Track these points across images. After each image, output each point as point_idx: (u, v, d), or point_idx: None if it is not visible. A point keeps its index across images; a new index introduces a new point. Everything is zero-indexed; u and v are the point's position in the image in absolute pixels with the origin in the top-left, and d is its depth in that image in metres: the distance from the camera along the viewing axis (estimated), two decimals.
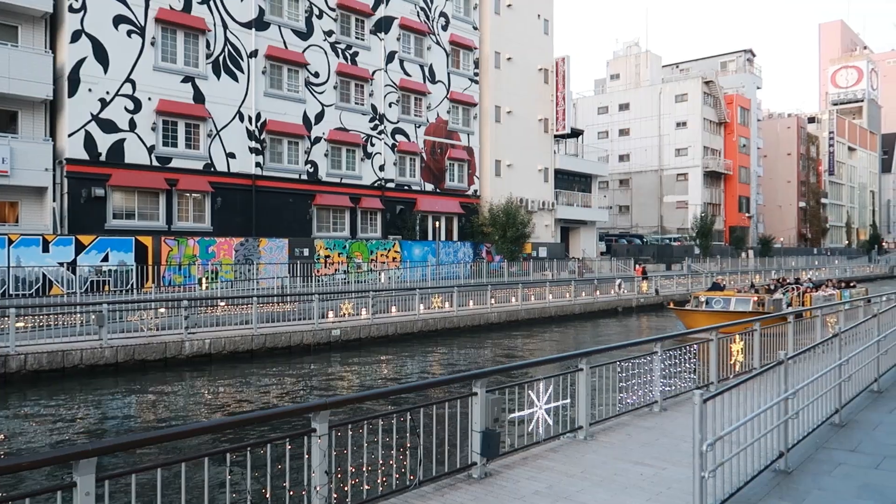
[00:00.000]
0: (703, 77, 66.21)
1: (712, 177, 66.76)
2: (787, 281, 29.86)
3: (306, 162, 31.21)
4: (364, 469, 5.74)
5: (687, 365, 9.61)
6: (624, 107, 68.78)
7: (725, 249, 60.82)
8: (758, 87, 77.01)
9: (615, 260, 45.91)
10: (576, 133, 49.35)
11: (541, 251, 42.29)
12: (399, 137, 35.51)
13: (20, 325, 15.38)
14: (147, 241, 24.84)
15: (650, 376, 8.84)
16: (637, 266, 42.00)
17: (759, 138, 76.34)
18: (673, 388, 9.41)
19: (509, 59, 42.29)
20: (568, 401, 7.47)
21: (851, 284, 28.77)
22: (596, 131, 68.87)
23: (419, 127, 36.66)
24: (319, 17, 31.83)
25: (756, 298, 21.42)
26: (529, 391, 7.04)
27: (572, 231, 48.98)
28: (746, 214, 70.60)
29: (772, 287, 27.15)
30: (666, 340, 9.08)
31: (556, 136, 46.20)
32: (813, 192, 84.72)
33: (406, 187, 35.92)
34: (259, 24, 29.45)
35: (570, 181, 48.65)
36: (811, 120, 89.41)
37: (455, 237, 38.46)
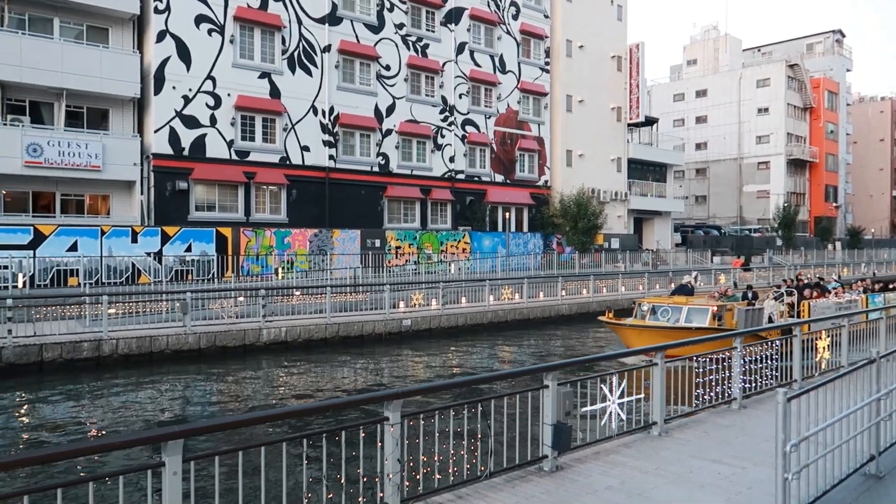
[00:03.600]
0: (788, 60, 63.05)
1: (796, 165, 63.64)
2: (803, 281, 22.28)
3: (378, 154, 31.64)
4: (435, 458, 5.80)
5: (768, 361, 9.24)
6: (701, 93, 66.38)
7: (810, 241, 57.91)
8: (847, 70, 72.69)
9: (691, 251, 44.50)
10: (650, 121, 48.02)
11: (613, 242, 41.47)
12: (469, 128, 35.49)
13: (112, 311, 16.30)
14: (227, 232, 25.81)
15: (728, 372, 8.55)
16: (736, 258, 40.51)
17: (849, 124, 72.17)
18: (753, 385, 9.07)
19: (581, 46, 41.51)
20: (642, 396, 7.32)
21: (892, 286, 23.21)
22: (671, 119, 66.78)
23: (489, 118, 36.53)
24: (391, 10, 32.12)
25: (715, 309, 16.11)
26: (602, 385, 6.93)
27: (646, 222, 47.76)
28: (833, 204, 66.97)
29: (779, 290, 19.77)
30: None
31: (629, 125, 45.09)
32: None
33: (476, 178, 35.90)
34: (332, 19, 29.99)
35: (644, 171, 47.42)
36: None
37: (525, 228, 38.19)
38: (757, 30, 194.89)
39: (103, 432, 11.15)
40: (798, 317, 16.63)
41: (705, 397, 8.19)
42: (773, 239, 52.96)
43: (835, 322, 10.71)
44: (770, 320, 16.10)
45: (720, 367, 8.34)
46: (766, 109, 62.14)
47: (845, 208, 70.72)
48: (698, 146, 65.86)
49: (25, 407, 12.70)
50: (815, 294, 18.53)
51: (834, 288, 20.48)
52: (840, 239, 62.74)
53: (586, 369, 11.56)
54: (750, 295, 18.89)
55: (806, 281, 22.29)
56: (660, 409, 7.36)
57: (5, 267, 20.23)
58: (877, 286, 22.22)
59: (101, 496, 6.78)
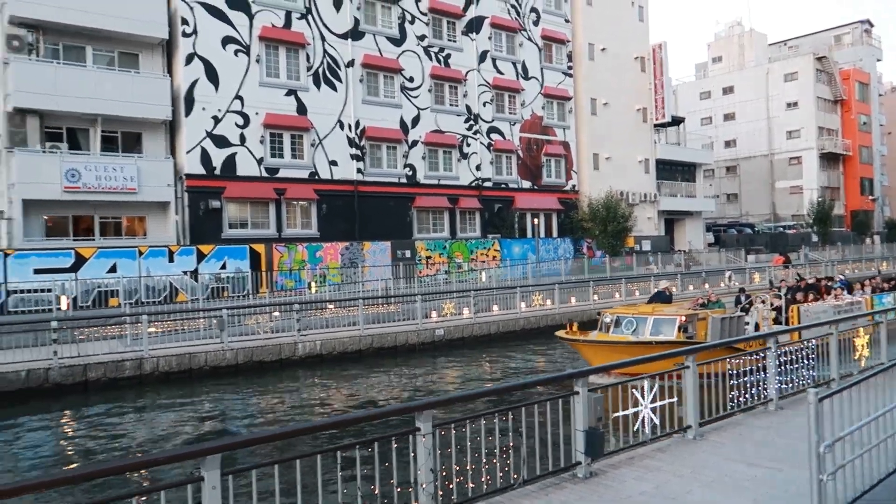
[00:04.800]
0: (815, 53, 61.90)
1: (829, 159, 62.31)
2: (805, 281, 20.45)
3: (405, 165, 31.89)
4: (468, 467, 5.86)
5: (806, 361, 9.11)
6: (728, 90, 65.50)
7: (847, 236, 56.58)
8: (877, 60, 71.00)
9: (724, 251, 43.84)
10: (677, 121, 47.55)
11: (644, 245, 41.06)
12: (494, 136, 35.58)
13: (151, 330, 16.71)
14: (260, 248, 26.25)
15: (764, 373, 8.46)
16: (777, 256, 39.83)
17: (882, 115, 70.40)
18: (790, 385, 8.94)
19: (603, 49, 41.35)
20: (675, 399, 7.28)
21: None
22: (698, 118, 65.98)
23: (514, 124, 36.57)
24: (412, 22, 32.44)
25: (683, 319, 14.39)
26: (633, 390, 6.92)
27: (677, 223, 47.21)
28: (870, 197, 65.33)
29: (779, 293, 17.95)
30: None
31: (655, 126, 44.71)
32: None
33: (503, 185, 35.93)
34: (355, 34, 30.40)
35: (673, 171, 46.91)
36: None
37: (554, 233, 38.06)
38: (782, 24, 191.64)
39: (145, 449, 11.44)
40: (786, 323, 15.24)
41: (740, 399, 8.11)
42: (809, 235, 51.90)
43: (823, 330, 9.50)
44: (757, 328, 14.94)
45: (754, 367, 8.25)
46: (796, 104, 61.05)
47: (882, 201, 68.93)
48: (727, 144, 64.93)
49: (72, 425, 13.08)
50: (809, 297, 16.88)
51: (835, 289, 18.82)
52: (878, 232, 61.21)
53: (617, 375, 11.49)
54: (743, 299, 17.35)
55: (810, 281, 20.46)
56: (693, 413, 7.31)
57: (49, 290, 20.87)
58: (886, 285, 20.45)
59: None
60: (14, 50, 22.90)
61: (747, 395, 8.30)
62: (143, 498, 4.54)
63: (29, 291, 20.96)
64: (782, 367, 8.58)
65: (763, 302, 16.12)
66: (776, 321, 15.57)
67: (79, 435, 12.38)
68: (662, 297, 18.17)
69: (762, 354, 8.45)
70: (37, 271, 21.36)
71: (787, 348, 8.60)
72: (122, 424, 12.99)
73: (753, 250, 46.37)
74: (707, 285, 29.53)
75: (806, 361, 9.07)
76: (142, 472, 9.09)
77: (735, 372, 8.12)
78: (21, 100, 22.71)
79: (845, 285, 19.78)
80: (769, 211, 62.97)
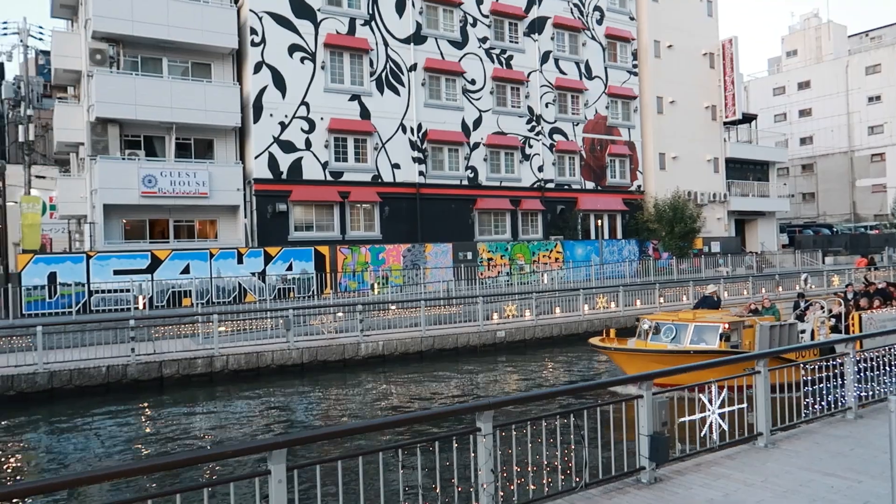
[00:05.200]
0: None
1: None
2: (875, 286, 18.19)
3: (466, 168, 31.95)
4: (529, 469, 5.81)
5: (888, 368, 8.64)
6: (804, 85, 62.79)
7: None
8: None
9: (799, 253, 42.02)
10: (748, 118, 45.88)
11: (713, 246, 39.80)
12: (557, 137, 35.22)
13: (222, 329, 17.31)
14: (324, 250, 26.81)
15: (841, 380, 8.06)
16: (860, 257, 38.07)
17: None
18: (871, 392, 8.50)
19: (670, 46, 40.34)
20: (745, 405, 7.02)
21: None
22: (772, 114, 63.52)
23: (577, 125, 36.11)
24: (473, 25, 32.50)
25: (727, 326, 13.31)
26: (700, 394, 6.71)
27: (748, 223, 45.56)
28: None
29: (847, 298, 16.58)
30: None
31: (725, 123, 43.30)
32: None
33: (566, 187, 35.53)
34: (417, 38, 30.68)
35: (744, 170, 45.31)
36: None
37: (619, 235, 37.36)
38: (863, 14, 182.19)
39: (215, 442, 11.85)
40: (846, 332, 14.29)
41: (815, 407, 7.75)
42: (893, 236, 49.11)
43: (889, 339, 8.66)
44: (812, 337, 13.97)
45: (831, 373, 7.88)
46: (878, 97, 57.95)
47: None
48: (803, 141, 62.24)
49: (148, 419, 13.68)
50: (875, 303, 15.36)
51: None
52: None
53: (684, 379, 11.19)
54: (803, 305, 16.17)
55: (880, 286, 18.33)
56: (765, 419, 7.03)
57: (127, 290, 21.92)
58: None
59: (215, 501, 7.24)
60: (97, 63, 24.18)
61: (823, 403, 7.94)
62: (213, 489, 4.70)
63: (109, 291, 22.06)
64: (861, 375, 8.16)
65: (822, 308, 15.10)
66: (835, 329, 14.53)
67: (154, 428, 12.94)
68: (709, 303, 17.26)
69: (814, 366, 7.90)
70: (116, 272, 22.45)
71: (847, 358, 8.05)
72: (193, 419, 13.51)
73: (831, 252, 44.28)
74: (780, 288, 28.40)
75: (888, 369, 8.61)
76: (212, 464, 9.43)
77: (809, 379, 7.78)
78: (103, 110, 23.96)
79: None
80: (849, 210, 59.98)
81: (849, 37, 68.27)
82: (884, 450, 6.41)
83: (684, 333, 13.69)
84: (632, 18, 39.00)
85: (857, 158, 59.60)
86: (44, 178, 34.39)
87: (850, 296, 16.65)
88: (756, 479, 6.06)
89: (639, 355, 13.84)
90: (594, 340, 15.13)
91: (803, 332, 14.43)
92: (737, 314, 14.96)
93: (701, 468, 6.40)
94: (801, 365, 7.99)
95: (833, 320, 14.85)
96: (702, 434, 6.64)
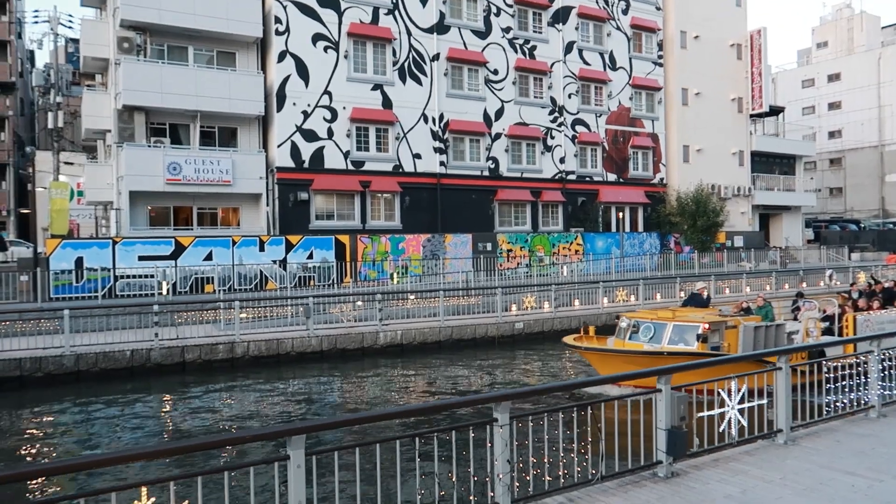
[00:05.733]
0: None
1: None
2: (882, 284, 17.51)
3: (487, 158, 31.87)
4: (545, 460, 5.82)
5: None
6: (834, 77, 61.56)
7: None
8: None
9: (825, 248, 41.37)
10: (775, 111, 45.16)
11: (736, 240, 39.34)
12: (579, 128, 34.96)
13: (243, 315, 17.51)
14: (345, 239, 26.95)
15: (864, 378, 7.95)
16: (890, 254, 37.39)
17: None
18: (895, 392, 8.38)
19: (696, 37, 39.76)
20: (765, 401, 6.96)
21: None
22: (800, 107, 62.42)
23: (600, 116, 35.80)
24: (497, 14, 32.30)
25: (706, 327, 12.52)
26: (719, 390, 6.67)
27: (773, 218, 44.92)
28: None
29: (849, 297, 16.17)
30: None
31: (752, 116, 42.67)
32: None
33: (588, 178, 35.29)
34: (440, 28, 30.58)
35: (770, 164, 44.63)
36: None
37: (640, 228, 37.06)
38: None
39: (236, 426, 12.03)
40: (840, 334, 13.54)
41: (837, 404, 7.66)
42: None
43: (889, 342, 8.04)
44: (804, 339, 13.28)
45: (854, 371, 7.78)
46: None
47: None
48: (831, 134, 61.11)
49: (170, 402, 13.92)
50: (874, 304, 14.53)
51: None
52: None
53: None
54: (801, 304, 15.39)
55: (887, 285, 17.45)
56: (785, 416, 6.96)
57: (151, 275, 22.25)
58: None
59: (235, 484, 7.36)
60: (124, 51, 24.46)
61: (845, 401, 7.84)
62: (234, 472, 4.78)
63: (134, 277, 22.41)
64: (886, 373, 8.04)
65: (824, 309, 14.31)
66: (828, 331, 13.80)
67: (175, 411, 13.16)
68: (697, 301, 16.38)
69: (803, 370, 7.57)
70: (141, 258, 22.79)
71: (872, 356, 7.86)
72: (214, 403, 13.71)
73: (858, 248, 43.58)
74: (805, 284, 27.99)
75: None
76: (232, 448, 9.58)
77: (832, 377, 7.68)
78: (130, 98, 24.25)
79: None
80: (878, 206, 58.87)
81: (882, 28, 66.72)
82: None
83: (663, 333, 13.02)
84: (658, 8, 38.48)
85: (887, 153, 58.39)
86: (72, 164, 34.94)
87: (854, 295, 15.97)
88: (775, 475, 6.01)
89: (611, 356, 13.28)
90: (569, 339, 14.37)
91: (795, 333, 13.74)
92: (728, 313, 14.16)
93: (719, 463, 6.36)
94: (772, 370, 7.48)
95: (828, 322, 14.05)
96: (720, 430, 6.60)
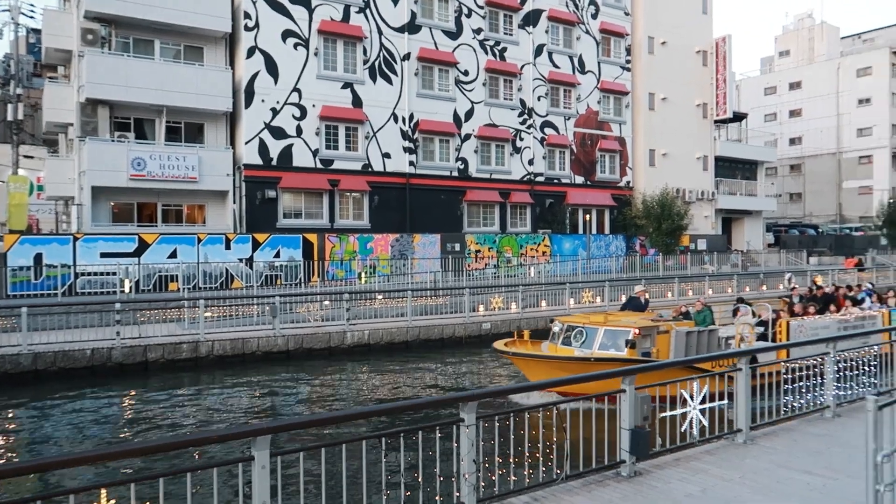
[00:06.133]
0: (892, 46, 59.01)
1: None
2: (824, 290, 17.57)
3: (457, 159, 31.94)
4: (511, 460, 5.87)
5: (869, 367, 8.80)
6: (795, 85, 63.14)
7: None
8: None
9: (785, 252, 42.40)
10: (739, 117, 46.14)
11: (699, 244, 40.09)
12: (548, 130, 35.26)
13: (208, 314, 17.25)
14: (313, 238, 26.74)
15: (821, 379, 8.18)
16: (849, 258, 38.46)
17: None
18: (850, 392, 8.64)
19: (664, 43, 40.41)
20: (725, 402, 7.12)
21: None
22: (762, 114, 63.87)
23: (568, 119, 36.16)
24: (468, 15, 32.39)
25: (637, 332, 12.12)
26: (682, 390, 6.80)
27: (735, 222, 45.89)
28: None
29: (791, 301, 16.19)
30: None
31: (716, 122, 43.52)
32: None
33: (556, 181, 35.60)
34: (411, 27, 30.55)
35: (733, 169, 45.59)
36: None
37: (607, 230, 37.53)
38: (856, 17, 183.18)
39: (199, 427, 11.85)
40: (773, 339, 13.32)
41: (794, 405, 7.87)
42: (878, 238, 49.66)
43: (819, 349, 8.01)
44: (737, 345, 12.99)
45: (811, 372, 8.00)
46: (868, 100, 58.42)
47: None
48: (792, 141, 62.68)
49: (132, 403, 13.65)
50: (811, 310, 14.53)
51: (862, 298, 16.44)
52: None
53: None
54: (742, 310, 14.76)
55: (828, 290, 17.64)
56: (745, 416, 7.13)
57: (114, 273, 21.78)
58: None
59: (198, 485, 7.25)
60: (88, 43, 23.90)
61: (802, 402, 8.06)
62: (197, 473, 4.72)
63: (95, 274, 21.91)
64: (841, 374, 8.29)
65: (759, 314, 14.00)
66: (763, 336, 13.53)
67: (137, 412, 12.91)
68: (635, 304, 15.83)
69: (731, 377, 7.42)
70: (103, 255, 22.30)
71: (828, 357, 8.04)
72: (178, 403, 13.49)
73: (816, 252, 44.75)
74: (765, 287, 28.65)
75: (867, 369, 8.75)
76: (195, 449, 9.43)
77: (790, 377, 7.89)
78: (94, 91, 23.71)
79: (871, 295, 17.20)
80: (835, 212, 60.56)
81: (842, 38, 68.70)
82: (860, 449, 6.52)
83: (594, 338, 12.60)
84: (627, 14, 39.02)
85: (844, 160, 60.11)
86: (32, 157, 34.02)
87: (795, 300, 16.03)
88: (734, 474, 6.15)
89: (537, 362, 12.75)
90: (499, 344, 13.65)
91: (731, 338, 13.43)
92: (666, 318, 13.88)
93: (680, 463, 6.48)
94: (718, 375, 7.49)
95: (762, 327, 13.69)
96: (682, 429, 6.73)
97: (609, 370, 6.96)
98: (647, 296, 16.91)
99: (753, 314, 14.16)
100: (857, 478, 5.84)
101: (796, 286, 20.34)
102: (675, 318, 14.17)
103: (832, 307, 15.55)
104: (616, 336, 12.36)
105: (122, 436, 11.51)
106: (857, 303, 16.59)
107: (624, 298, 24.53)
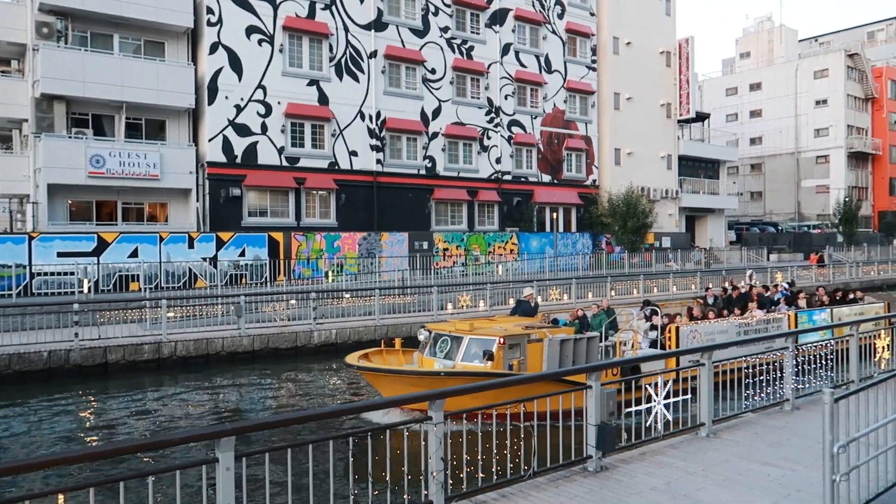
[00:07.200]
0: (847, 50, 60.71)
1: (858, 158, 61.21)
2: (739, 290, 16.94)
3: (424, 157, 31.89)
4: (479, 458, 5.88)
5: (825, 361, 9.04)
6: (755, 87, 64.53)
7: (874, 237, 55.61)
8: None
9: (746, 249, 43.33)
10: (701, 117, 47.00)
11: (664, 241, 40.74)
12: (515, 129, 35.43)
13: (170, 315, 16.92)
14: (278, 236, 26.44)
15: (780, 373, 8.38)
16: (812, 255, 39.52)
17: None
18: (808, 386, 8.87)
19: (628, 43, 40.94)
20: (689, 396, 7.24)
21: (854, 297, 17.00)
22: (724, 114, 65.14)
23: (535, 118, 36.39)
24: (435, 14, 32.35)
25: (502, 341, 10.93)
26: (647, 386, 6.89)
27: (698, 220, 46.75)
28: None
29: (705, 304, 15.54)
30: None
31: (679, 122, 44.25)
32: None
33: (523, 179, 35.80)
34: (378, 25, 30.40)
35: (696, 168, 46.43)
36: None
37: (573, 228, 37.88)
38: (813, 20, 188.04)
39: (161, 429, 11.61)
40: (662, 347, 12.66)
41: (755, 398, 8.04)
42: (834, 235, 51.11)
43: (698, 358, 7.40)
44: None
45: (771, 367, 8.18)
46: (825, 101, 60.01)
47: None
48: (753, 141, 64.07)
49: (91, 406, 13.31)
50: (710, 314, 13.84)
51: (777, 299, 15.98)
52: None
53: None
54: (648, 313, 13.73)
55: (743, 290, 16.94)
56: (707, 410, 7.26)
57: (71, 273, 21.22)
58: (839, 296, 16.99)
59: (160, 489, 7.10)
60: (43, 37, 23.23)
61: (762, 395, 8.25)
62: (159, 476, 4.62)
63: (52, 274, 21.33)
64: (800, 368, 8.49)
65: (652, 317, 13.28)
66: (654, 342, 12.86)
67: (97, 415, 12.61)
68: (524, 308, 14.76)
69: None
70: (60, 254, 21.71)
71: (787, 352, 8.16)
72: (139, 406, 13.21)
73: (776, 249, 45.83)
74: (675, 288, 28.95)
75: (824, 363, 8.99)
76: (158, 451, 9.24)
77: (751, 371, 8.06)
78: (49, 86, 23.05)
79: (786, 296, 16.61)
80: (794, 210, 62.11)
81: (799, 41, 70.41)
82: (817, 440, 6.69)
83: (458, 348, 11.38)
84: (592, 14, 39.41)
85: (802, 160, 61.65)
86: None
87: (710, 300, 15.54)
88: (697, 467, 6.26)
89: (389, 377, 11.34)
90: (353, 358, 11.95)
91: (624, 344, 12.56)
92: (563, 323, 12.97)
93: (646, 457, 6.58)
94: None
95: (655, 332, 12.99)
96: (647, 424, 6.82)
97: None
98: (538, 299, 15.60)
99: (652, 317, 13.44)
100: (813, 468, 6.00)
101: (710, 287, 19.78)
102: (571, 322, 13.21)
103: (737, 310, 14.89)
104: (482, 345, 11.12)
105: (81, 439, 11.22)
106: (774, 304, 16.02)
107: (590, 296, 24.84)
